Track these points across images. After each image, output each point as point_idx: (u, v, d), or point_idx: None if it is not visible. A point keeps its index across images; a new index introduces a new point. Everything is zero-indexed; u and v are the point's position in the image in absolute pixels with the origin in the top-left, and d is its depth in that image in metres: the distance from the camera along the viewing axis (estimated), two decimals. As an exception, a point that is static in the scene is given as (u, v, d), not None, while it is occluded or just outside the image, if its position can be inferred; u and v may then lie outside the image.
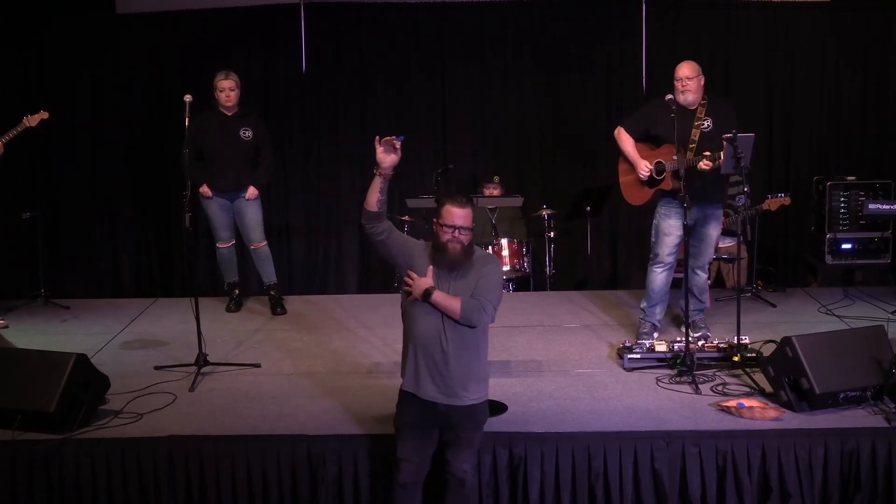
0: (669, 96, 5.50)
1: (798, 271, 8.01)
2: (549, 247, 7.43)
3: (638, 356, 5.25)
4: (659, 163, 5.67)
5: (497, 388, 4.91)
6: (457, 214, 3.90)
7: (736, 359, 5.13)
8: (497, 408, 4.61)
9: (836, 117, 7.97)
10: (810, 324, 6.06)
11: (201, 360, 5.27)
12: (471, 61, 7.99)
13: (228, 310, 6.82)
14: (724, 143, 5.30)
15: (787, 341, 4.54)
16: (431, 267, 3.91)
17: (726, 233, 7.17)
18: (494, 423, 4.38)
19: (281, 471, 4.29)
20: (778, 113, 7.98)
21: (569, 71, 7.98)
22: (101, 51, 7.83)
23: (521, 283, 7.42)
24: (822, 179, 7.61)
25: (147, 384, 5.08)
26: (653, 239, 5.84)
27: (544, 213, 7.43)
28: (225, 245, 6.76)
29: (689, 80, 5.60)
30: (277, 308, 6.76)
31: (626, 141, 5.79)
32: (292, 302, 7.06)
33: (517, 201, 6.58)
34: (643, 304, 5.89)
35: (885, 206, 6.71)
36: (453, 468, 3.96)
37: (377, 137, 3.84)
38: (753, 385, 4.88)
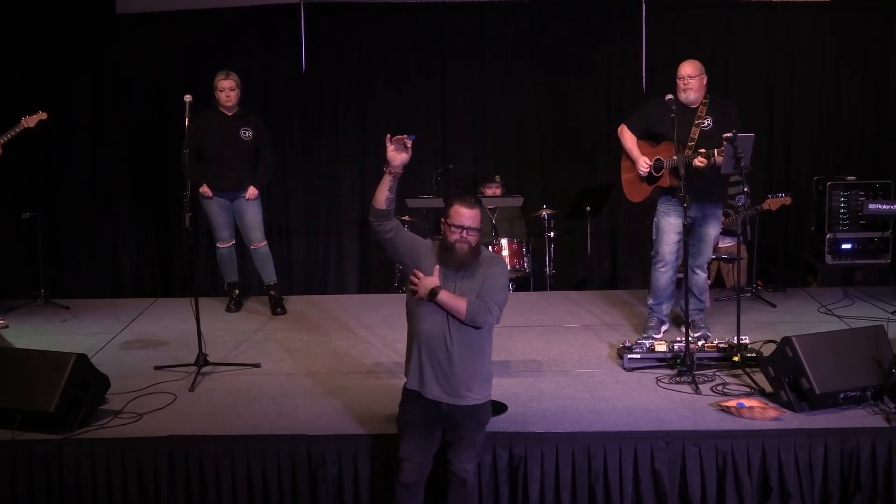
0: (669, 96, 5.52)
1: (798, 271, 8.01)
2: (549, 247, 7.43)
3: (638, 356, 5.25)
4: (658, 160, 5.70)
5: (497, 388, 4.89)
6: (465, 215, 3.90)
7: (736, 359, 5.13)
8: (497, 408, 4.60)
9: (836, 117, 7.97)
10: (810, 324, 6.06)
11: (201, 360, 5.26)
12: (471, 61, 8.00)
13: (228, 310, 6.82)
14: (725, 142, 5.30)
15: (787, 341, 4.54)
16: (438, 266, 3.91)
17: (726, 233, 7.17)
18: (494, 423, 4.38)
19: (281, 471, 4.29)
20: (778, 113, 7.98)
21: (569, 71, 7.98)
22: (101, 51, 7.84)
23: (521, 283, 7.43)
24: (822, 179, 7.61)
25: (147, 384, 5.08)
26: (654, 237, 5.87)
27: (544, 213, 7.43)
28: (225, 245, 6.76)
29: (691, 78, 5.62)
30: (277, 308, 6.76)
31: (628, 138, 5.83)
32: (292, 302, 7.06)
33: (517, 201, 6.58)
34: (650, 301, 5.94)
35: (885, 206, 6.71)
36: (455, 468, 3.96)
37: (388, 136, 3.84)
38: (753, 385, 4.88)
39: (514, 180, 7.89)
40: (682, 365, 5.06)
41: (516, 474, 4.27)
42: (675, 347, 5.22)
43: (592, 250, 7.70)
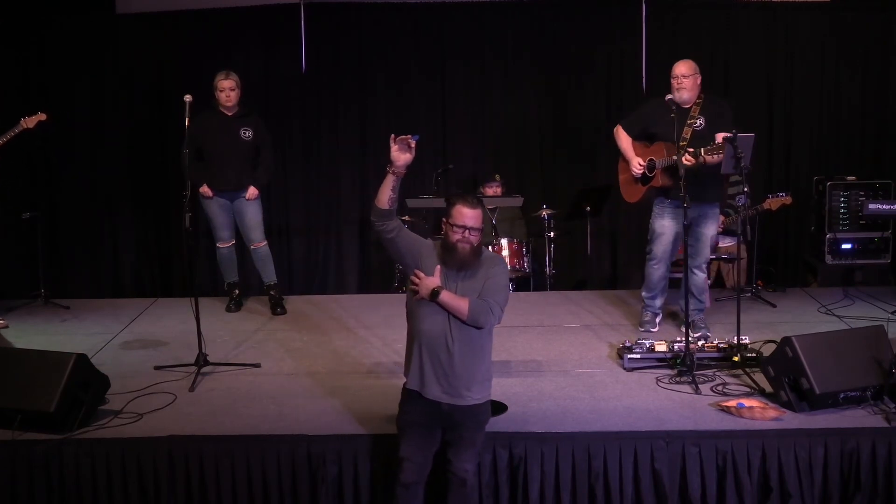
0: (669, 97, 5.54)
1: (798, 271, 8.01)
2: (549, 247, 7.43)
3: (638, 356, 5.25)
4: (651, 160, 5.73)
5: (497, 388, 4.89)
6: (467, 215, 3.91)
7: (736, 359, 5.13)
8: (497, 408, 4.60)
9: (836, 117, 7.97)
10: (810, 324, 6.05)
11: (201, 360, 5.26)
12: (471, 61, 8.00)
13: (228, 310, 6.82)
14: (725, 142, 5.31)
15: (787, 341, 4.54)
16: (439, 266, 3.91)
17: (726, 233, 7.18)
18: (494, 423, 4.38)
19: (281, 471, 4.29)
20: (778, 113, 7.98)
21: (569, 71, 7.98)
22: (101, 51, 7.84)
23: (521, 283, 7.42)
24: (822, 179, 7.61)
25: (147, 384, 5.07)
26: (649, 237, 5.93)
27: (544, 213, 7.43)
28: (225, 245, 6.76)
29: (685, 78, 5.65)
30: (277, 308, 6.76)
31: (623, 139, 5.88)
32: (292, 302, 7.06)
33: (517, 201, 6.58)
34: (644, 293, 6.05)
35: (885, 206, 6.71)
36: (455, 468, 3.96)
37: (392, 136, 3.84)
38: (753, 385, 4.88)
39: (514, 180, 7.89)
40: (682, 365, 5.06)
41: (516, 474, 4.27)
42: (675, 347, 5.22)
43: (592, 250, 7.69)
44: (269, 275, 6.79)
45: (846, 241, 7.50)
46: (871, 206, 6.71)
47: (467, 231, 3.90)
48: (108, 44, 7.84)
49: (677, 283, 6.20)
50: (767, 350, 4.93)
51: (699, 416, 4.52)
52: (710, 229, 5.79)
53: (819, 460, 4.26)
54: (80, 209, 7.96)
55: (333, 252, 8.18)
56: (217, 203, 6.60)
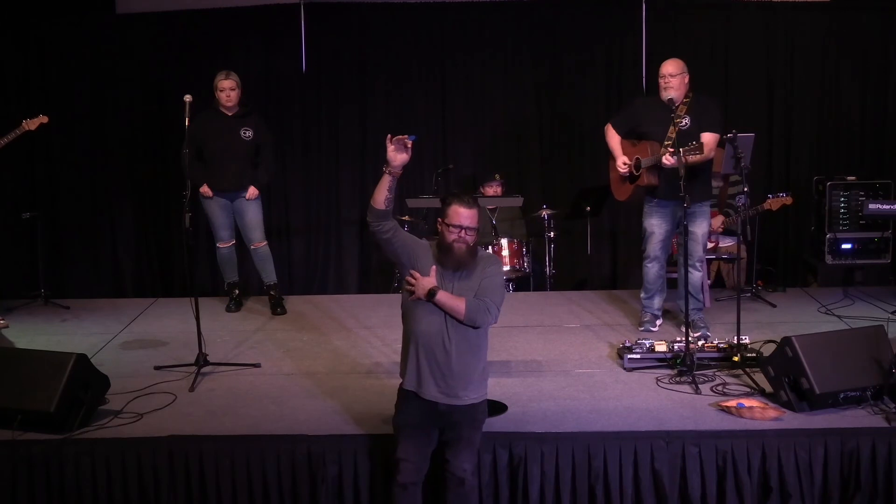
0: (669, 97, 5.55)
1: (798, 271, 8.01)
2: (549, 247, 7.43)
3: (638, 356, 5.25)
4: (637, 158, 5.78)
5: (497, 388, 4.91)
6: (464, 215, 3.90)
7: (736, 359, 5.13)
8: (497, 408, 4.61)
9: (836, 117, 7.96)
10: (810, 324, 6.05)
11: (201, 360, 5.26)
12: (471, 61, 7.99)
13: (228, 310, 6.82)
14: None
15: (787, 341, 4.54)
16: (435, 266, 3.91)
17: (726, 233, 7.18)
18: (494, 423, 4.39)
19: (281, 471, 4.29)
20: (778, 113, 7.98)
21: (569, 71, 7.98)
22: (101, 51, 7.83)
23: (521, 283, 7.42)
24: (822, 179, 7.61)
25: (147, 384, 5.08)
26: (642, 236, 6.00)
27: (544, 213, 7.43)
28: (225, 245, 6.76)
29: (672, 77, 5.69)
30: (277, 308, 6.76)
31: (612, 137, 5.95)
32: (292, 302, 7.06)
33: (517, 201, 6.58)
34: (642, 295, 6.09)
35: (885, 206, 6.70)
36: (453, 468, 3.96)
37: (389, 136, 3.84)
38: (753, 385, 4.88)
39: (514, 180, 7.89)
40: (682, 365, 5.07)
41: (516, 474, 4.27)
42: (675, 347, 5.22)
43: (592, 250, 7.69)
44: (269, 275, 6.80)
45: (846, 241, 7.50)
46: (871, 206, 6.70)
47: (463, 231, 3.90)
48: (108, 44, 7.83)
49: (676, 283, 6.21)
50: (767, 350, 4.93)
51: (699, 416, 4.52)
52: (700, 227, 5.79)
53: (819, 460, 4.26)
54: (80, 209, 7.96)
55: (333, 252, 8.18)
56: (217, 203, 6.60)
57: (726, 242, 7.23)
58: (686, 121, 5.64)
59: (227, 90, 6.45)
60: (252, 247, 6.72)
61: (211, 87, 6.51)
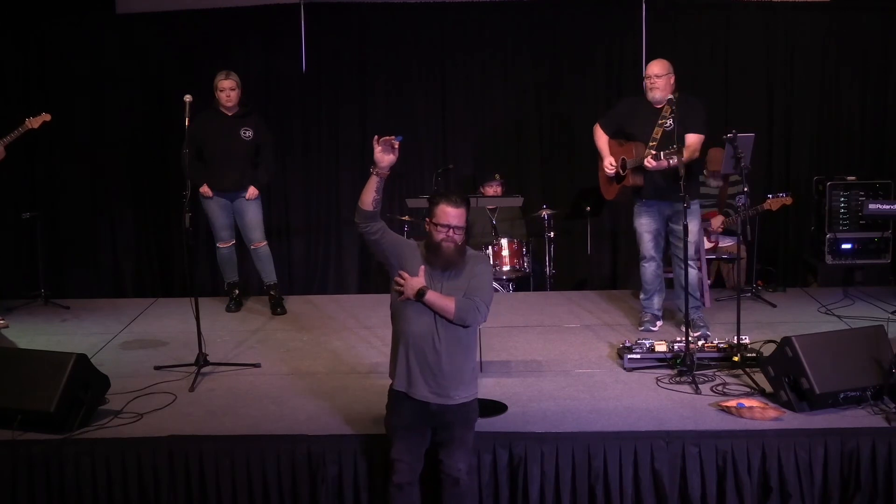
0: (670, 96, 5.56)
1: (798, 271, 8.01)
2: (549, 247, 7.43)
3: (638, 356, 5.25)
4: (623, 159, 5.83)
5: (497, 388, 4.92)
6: (451, 214, 3.91)
7: (736, 359, 5.13)
8: (497, 408, 4.61)
9: (836, 117, 7.96)
10: (810, 324, 6.05)
11: (201, 360, 5.27)
12: (471, 61, 7.99)
13: (228, 310, 6.82)
14: (726, 142, 5.33)
15: (787, 341, 4.54)
16: (424, 266, 3.91)
17: (726, 233, 7.18)
18: (494, 423, 4.39)
19: (281, 471, 4.29)
20: (778, 113, 7.98)
21: (569, 71, 7.98)
22: (101, 51, 7.83)
23: (521, 283, 7.42)
24: (822, 179, 7.61)
25: (147, 384, 5.08)
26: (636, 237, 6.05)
27: (544, 213, 7.42)
28: (225, 245, 6.76)
29: (657, 77, 5.74)
30: (277, 308, 6.76)
31: (600, 138, 6.01)
32: (292, 302, 7.06)
33: (517, 201, 6.59)
34: (641, 296, 6.13)
35: (885, 206, 6.71)
36: (448, 468, 3.96)
37: (375, 137, 3.85)
38: (753, 385, 4.88)
39: (514, 180, 7.89)
40: (682, 365, 5.07)
41: (516, 474, 4.27)
42: (675, 347, 5.22)
43: (592, 250, 7.69)
44: (269, 275, 6.80)
45: (846, 241, 7.50)
46: (871, 206, 6.71)
47: (451, 230, 3.91)
48: (108, 44, 7.83)
49: (670, 282, 6.22)
50: (767, 350, 4.93)
51: (699, 416, 4.52)
52: (690, 224, 5.78)
53: (819, 460, 4.26)
54: (80, 209, 7.96)
55: (333, 252, 8.17)
56: (217, 203, 6.60)
57: (726, 242, 7.23)
58: (671, 121, 5.65)
59: (227, 90, 6.45)
60: (252, 247, 6.72)
61: (211, 87, 6.51)
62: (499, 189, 7.52)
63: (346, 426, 4.46)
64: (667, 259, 6.20)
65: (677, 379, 5.02)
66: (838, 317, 6.23)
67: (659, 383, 5.00)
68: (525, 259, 7.22)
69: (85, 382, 4.48)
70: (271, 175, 6.88)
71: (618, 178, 5.91)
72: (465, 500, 4.04)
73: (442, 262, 3.92)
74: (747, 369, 5.07)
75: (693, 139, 5.62)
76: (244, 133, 6.54)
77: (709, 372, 5.10)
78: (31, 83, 7.82)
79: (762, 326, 5.96)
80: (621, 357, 5.32)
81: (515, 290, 7.36)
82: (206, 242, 7.45)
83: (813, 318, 6.27)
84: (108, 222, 8.06)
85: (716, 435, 4.30)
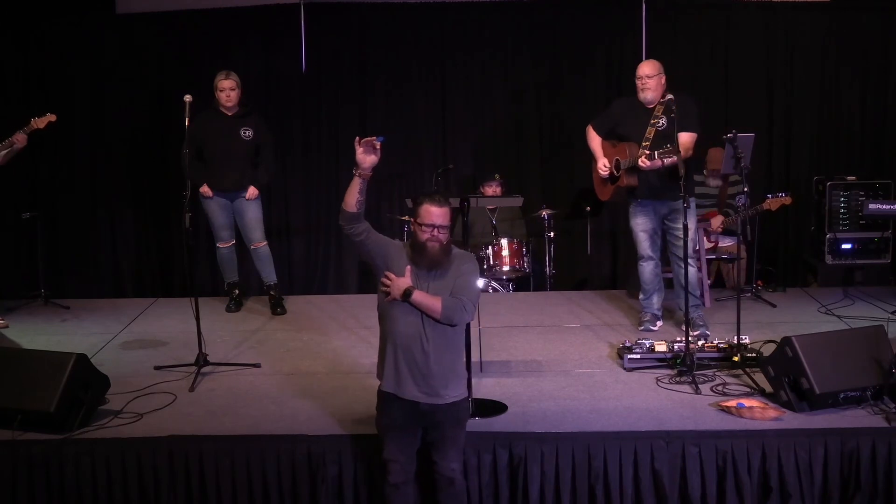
0: (670, 96, 5.56)
1: (798, 271, 8.01)
2: (549, 247, 7.43)
3: (638, 356, 5.25)
4: (616, 160, 5.84)
5: (497, 388, 4.92)
6: (435, 213, 3.91)
7: (736, 359, 5.13)
8: (497, 408, 4.61)
9: (836, 117, 7.96)
10: (810, 324, 6.05)
11: (201, 360, 5.27)
12: (471, 61, 7.99)
13: (228, 310, 6.82)
14: (726, 142, 5.33)
15: (787, 341, 4.54)
16: (410, 267, 3.91)
17: (726, 233, 7.18)
18: (494, 423, 4.39)
19: (281, 471, 4.29)
20: (778, 113, 7.98)
21: (569, 71, 7.98)
22: (101, 51, 7.83)
23: (521, 283, 7.42)
24: (822, 179, 7.61)
25: (147, 384, 5.08)
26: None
27: (544, 213, 7.42)
28: (225, 245, 6.76)
29: (648, 78, 5.76)
30: (277, 308, 6.76)
31: (593, 139, 6.03)
32: (292, 302, 7.06)
33: (517, 201, 6.58)
34: (640, 296, 6.14)
35: (885, 206, 6.71)
36: (441, 468, 3.97)
37: (357, 138, 3.85)
38: (753, 385, 4.88)
39: (514, 180, 7.89)
40: (682, 365, 5.07)
41: (516, 474, 4.27)
42: (675, 347, 5.22)
43: (592, 250, 7.69)
44: (269, 275, 6.80)
45: (846, 241, 7.49)
46: (871, 206, 6.71)
47: (436, 229, 3.90)
48: (108, 44, 7.83)
49: (669, 282, 6.22)
50: (767, 350, 4.93)
51: (699, 416, 4.52)
52: (687, 221, 5.79)
53: (819, 460, 4.26)
54: (80, 209, 7.95)
55: (333, 252, 8.17)
56: (217, 203, 6.60)
57: (726, 242, 7.23)
58: (663, 121, 5.67)
59: (227, 90, 6.45)
60: (252, 247, 6.72)
61: (211, 87, 6.51)
62: (498, 189, 7.52)
63: (347, 426, 4.46)
64: (665, 258, 6.20)
65: (677, 379, 5.02)
66: (838, 317, 6.23)
67: (659, 383, 5.00)
68: (525, 259, 7.23)
69: (85, 382, 4.48)
70: (271, 175, 6.88)
71: (612, 178, 5.92)
72: (461, 499, 4.05)
73: (427, 262, 3.92)
74: (747, 369, 5.07)
75: (686, 138, 5.63)
76: (244, 133, 6.54)
77: (709, 372, 5.10)
78: (31, 83, 7.82)
79: (762, 326, 5.96)
80: (621, 357, 5.32)
81: (515, 290, 7.36)
82: (206, 242, 7.45)
83: (813, 318, 6.27)
84: (108, 222, 8.06)
85: (716, 435, 4.30)
